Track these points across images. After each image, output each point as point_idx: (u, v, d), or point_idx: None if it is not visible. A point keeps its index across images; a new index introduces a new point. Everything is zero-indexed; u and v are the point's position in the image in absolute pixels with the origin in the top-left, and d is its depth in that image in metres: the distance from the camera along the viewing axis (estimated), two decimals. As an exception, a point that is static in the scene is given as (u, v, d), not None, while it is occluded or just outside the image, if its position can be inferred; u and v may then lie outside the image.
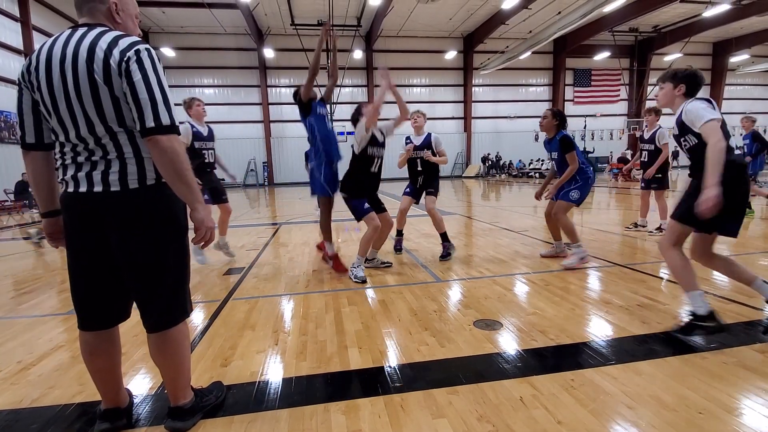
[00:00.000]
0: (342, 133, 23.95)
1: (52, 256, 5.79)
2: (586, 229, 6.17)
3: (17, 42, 15.01)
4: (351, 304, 3.13)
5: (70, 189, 1.45)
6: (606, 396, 1.78)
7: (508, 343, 2.35)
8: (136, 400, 1.89)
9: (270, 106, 26.91)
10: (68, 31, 1.41)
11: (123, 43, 1.36)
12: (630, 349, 2.24)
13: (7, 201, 12.52)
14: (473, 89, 29.01)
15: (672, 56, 27.05)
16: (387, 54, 27.46)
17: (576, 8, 18.02)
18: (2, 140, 13.88)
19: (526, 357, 2.17)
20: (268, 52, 24.24)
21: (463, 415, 1.69)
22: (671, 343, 2.28)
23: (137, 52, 1.36)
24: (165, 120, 1.35)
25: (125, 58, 1.33)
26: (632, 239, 5.29)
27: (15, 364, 2.31)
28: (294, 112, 27.31)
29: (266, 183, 27.32)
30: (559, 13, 20.53)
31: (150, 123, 1.33)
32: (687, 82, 2.48)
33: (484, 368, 2.07)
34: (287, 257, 4.93)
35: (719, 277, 3.51)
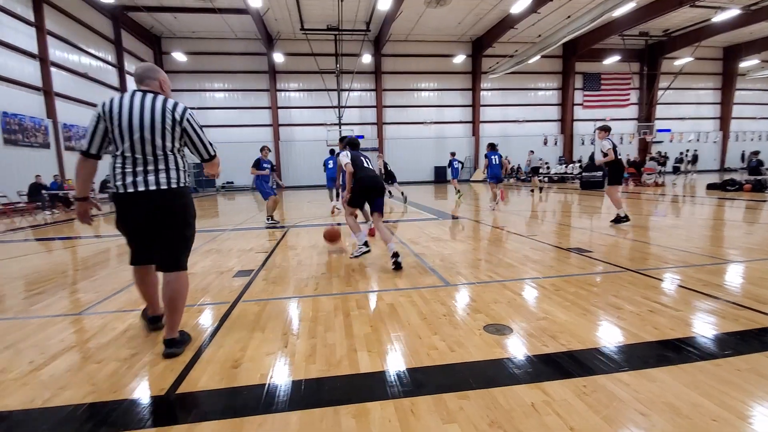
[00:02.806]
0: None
1: (63, 257, 5.87)
2: (596, 233, 6.10)
3: (32, 46, 15.32)
4: (360, 308, 3.12)
5: (130, 189, 2.26)
6: (619, 403, 1.76)
7: (519, 349, 2.33)
8: (145, 402, 1.91)
9: (279, 110, 27.12)
10: (140, 94, 2.33)
11: (179, 108, 2.37)
12: (642, 355, 2.20)
13: (20, 203, 12.74)
14: (482, 93, 29.00)
15: (682, 60, 26.82)
16: (395, 58, 27.58)
17: (585, 12, 17.97)
18: (16, 143, 14.14)
19: (537, 362, 2.15)
20: (278, 57, 24.48)
21: (474, 420, 1.67)
22: (684, 349, 2.24)
23: (191, 114, 2.42)
24: (211, 153, 2.52)
25: (181, 117, 2.36)
26: (643, 244, 5.23)
27: (27, 365, 2.34)
28: (302, 116, 27.32)
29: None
30: (569, 17, 20.47)
31: (206, 156, 2.51)
32: (607, 130, 6.94)
33: (495, 373, 2.05)
34: (296, 260, 4.94)
35: (731, 285, 3.46)
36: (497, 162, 9.94)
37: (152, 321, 2.74)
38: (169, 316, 2.40)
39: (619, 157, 6.92)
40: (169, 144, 2.32)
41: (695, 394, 1.80)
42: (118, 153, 2.28)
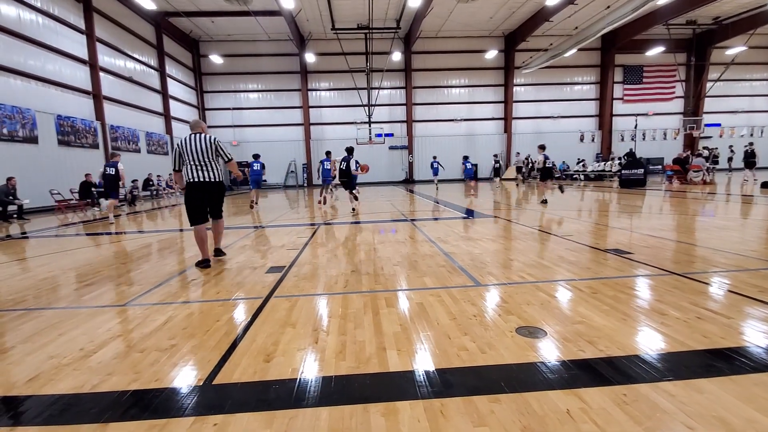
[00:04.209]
0: (379, 135, 24.08)
1: (109, 251, 6.22)
2: (637, 234, 5.82)
3: (83, 53, 16.30)
4: (389, 306, 3.12)
5: (196, 180, 4.49)
6: (663, 414, 1.66)
7: (554, 353, 2.25)
8: (184, 391, 1.98)
9: (310, 109, 27.56)
10: (194, 135, 4.52)
11: (213, 138, 4.60)
12: (690, 364, 2.08)
13: (72, 200, 13.61)
14: (514, 89, 28.32)
15: (735, 49, 25.07)
16: (425, 55, 27.38)
17: (627, 1, 17.12)
18: (69, 144, 15.10)
19: (573, 368, 2.07)
20: (309, 57, 24.87)
21: (506, 425, 1.63)
22: (737, 360, 2.10)
23: (218, 139, 4.65)
24: (229, 156, 4.79)
25: (215, 143, 4.57)
26: (689, 246, 4.94)
27: (77, 351, 2.49)
28: (332, 114, 27.79)
29: (305, 184, 27.97)
30: (608, 7, 19.61)
31: (227, 159, 4.78)
32: (544, 147, 10.98)
33: (528, 377, 1.99)
34: (326, 257, 5.01)
35: (793, 290, 3.20)
36: (471, 166, 18.38)
37: (204, 262, 4.64)
38: (217, 238, 5.08)
39: (548, 166, 11.11)
40: (210, 155, 4.55)
41: (749, 409, 1.68)
42: (187, 162, 4.51)
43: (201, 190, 4.52)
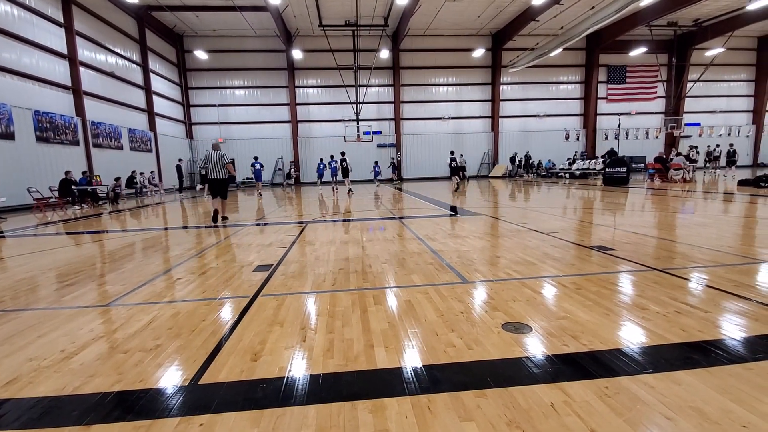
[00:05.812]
0: (367, 133, 24.04)
1: (91, 250, 6.08)
2: (619, 231, 5.95)
3: (62, 47, 15.85)
4: (377, 303, 3.13)
5: (213, 177, 8.20)
6: (643, 405, 1.71)
7: (538, 348, 2.29)
8: (169, 391, 1.96)
9: (297, 107, 27.33)
10: (215, 152, 8.26)
11: (222, 155, 8.33)
12: (668, 357, 2.14)
13: (51, 198, 13.25)
14: (501, 87, 28.53)
15: (714, 51, 25.71)
16: (413, 53, 27.40)
17: (611, 2, 17.40)
18: (47, 141, 14.69)
19: (557, 362, 2.11)
20: (297, 54, 24.62)
21: (491, 419, 1.65)
22: (713, 352, 2.16)
23: (225, 157, 8.38)
24: (228, 162, 8.35)
25: (222, 158, 8.25)
26: (670, 243, 5.06)
27: (58, 353, 2.44)
28: (320, 112, 27.70)
29: (293, 182, 27.75)
30: (593, 8, 19.91)
31: (227, 162, 8.34)
32: (452, 153, 16.45)
33: (514, 372, 2.02)
34: (313, 255, 4.99)
35: (764, 285, 3.31)
36: (378, 170, 21.96)
37: (215, 214, 8.25)
38: (221, 209, 8.38)
39: (453, 166, 15.36)
40: (221, 165, 8.11)
41: (725, 399, 1.74)
42: (210, 167, 8.09)
43: (215, 182, 8.12)
